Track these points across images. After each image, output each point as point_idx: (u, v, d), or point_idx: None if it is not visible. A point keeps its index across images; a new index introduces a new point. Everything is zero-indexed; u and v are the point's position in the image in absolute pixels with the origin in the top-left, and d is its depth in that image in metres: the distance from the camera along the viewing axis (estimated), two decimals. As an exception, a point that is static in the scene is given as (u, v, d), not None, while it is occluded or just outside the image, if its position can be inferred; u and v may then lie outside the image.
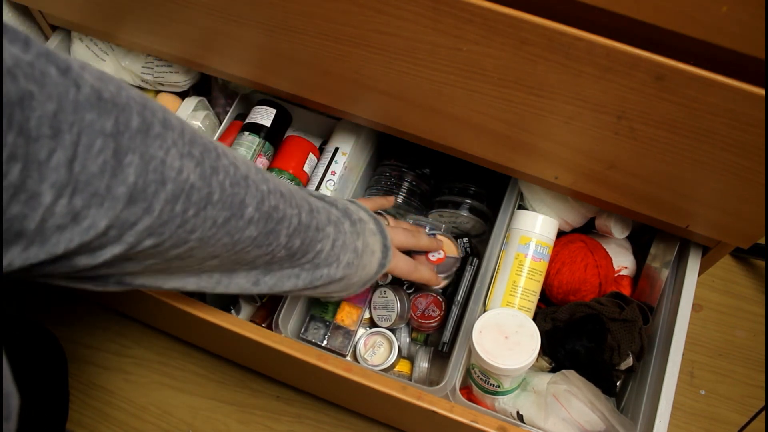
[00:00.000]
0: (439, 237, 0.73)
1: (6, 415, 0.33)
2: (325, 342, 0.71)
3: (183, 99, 0.83)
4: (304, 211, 0.50)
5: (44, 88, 0.30)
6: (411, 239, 0.67)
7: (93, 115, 0.32)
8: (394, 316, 0.72)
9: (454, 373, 0.62)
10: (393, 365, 0.72)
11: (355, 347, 0.72)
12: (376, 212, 0.71)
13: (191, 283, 0.47)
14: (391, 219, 0.70)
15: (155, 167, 0.36)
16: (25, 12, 0.81)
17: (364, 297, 0.74)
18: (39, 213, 0.32)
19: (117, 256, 0.37)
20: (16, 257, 0.33)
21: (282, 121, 0.79)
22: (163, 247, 0.39)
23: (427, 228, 0.74)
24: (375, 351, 0.72)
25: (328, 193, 0.75)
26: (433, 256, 0.72)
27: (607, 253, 0.74)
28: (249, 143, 0.76)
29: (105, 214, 0.34)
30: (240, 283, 0.50)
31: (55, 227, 0.33)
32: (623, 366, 0.65)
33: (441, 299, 0.73)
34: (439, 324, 0.73)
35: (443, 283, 0.72)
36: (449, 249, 0.73)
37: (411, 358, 0.75)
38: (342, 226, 0.55)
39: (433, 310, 0.73)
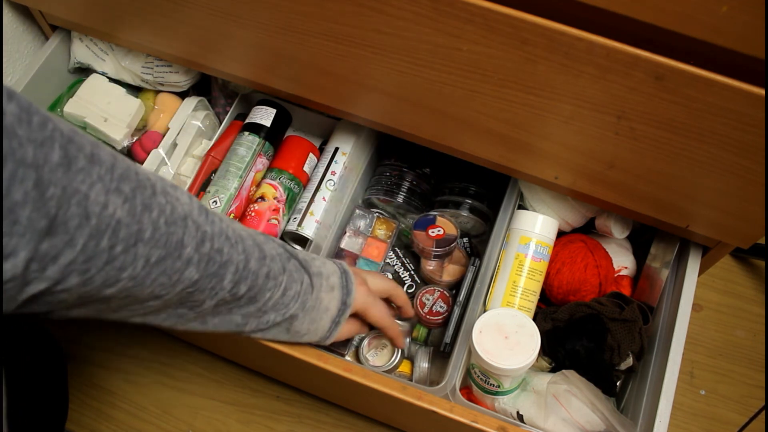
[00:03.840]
0: (440, 218, 0.74)
1: None
2: (325, 342, 0.71)
3: (183, 99, 0.83)
4: (253, 258, 0.49)
5: None
6: (385, 314, 0.62)
7: (14, 143, 0.32)
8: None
9: (454, 373, 0.62)
10: (396, 366, 0.72)
11: (358, 348, 0.73)
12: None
13: (137, 317, 0.47)
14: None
15: (78, 201, 0.36)
16: (25, 12, 0.81)
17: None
18: None
19: (42, 292, 0.36)
20: None
21: (282, 121, 0.79)
22: (94, 286, 0.39)
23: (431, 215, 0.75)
24: (378, 352, 0.72)
25: (328, 193, 0.75)
26: (433, 232, 0.73)
27: (607, 253, 0.74)
28: (249, 143, 0.76)
29: (26, 245, 0.33)
30: (185, 314, 0.48)
31: None
32: (623, 366, 0.65)
33: (448, 295, 0.74)
34: (445, 319, 0.73)
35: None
36: (449, 228, 0.74)
37: (411, 358, 0.75)
38: (295, 275, 0.53)
39: (440, 306, 0.73)
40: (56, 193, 0.34)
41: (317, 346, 0.71)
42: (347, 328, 0.60)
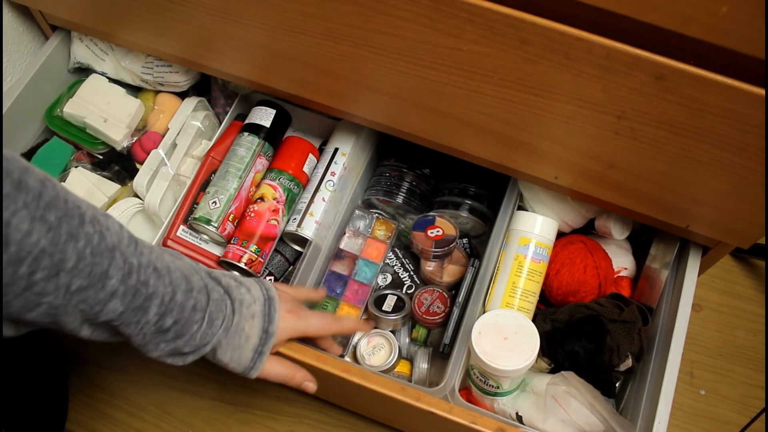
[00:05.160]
0: (439, 218, 0.74)
1: None
2: (324, 342, 0.71)
3: (183, 99, 0.83)
4: (180, 290, 0.48)
5: None
6: (324, 323, 0.61)
7: None
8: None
9: (454, 374, 0.62)
10: (393, 366, 0.72)
11: (355, 348, 0.72)
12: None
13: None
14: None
15: None
16: (25, 12, 0.81)
17: (363, 297, 0.74)
18: None
19: None
20: None
21: (282, 122, 0.79)
22: (13, 309, 0.39)
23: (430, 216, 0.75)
24: (375, 352, 0.72)
25: (328, 194, 0.75)
26: (432, 232, 0.73)
27: (606, 254, 0.74)
28: (248, 144, 0.76)
29: None
30: (105, 336, 0.48)
31: None
32: (622, 367, 0.65)
33: (446, 295, 0.74)
34: (443, 320, 0.73)
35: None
36: (448, 229, 0.74)
37: (410, 359, 0.75)
38: (221, 305, 0.53)
39: (438, 306, 0.73)
40: None
41: (315, 347, 0.71)
42: (277, 367, 0.57)
